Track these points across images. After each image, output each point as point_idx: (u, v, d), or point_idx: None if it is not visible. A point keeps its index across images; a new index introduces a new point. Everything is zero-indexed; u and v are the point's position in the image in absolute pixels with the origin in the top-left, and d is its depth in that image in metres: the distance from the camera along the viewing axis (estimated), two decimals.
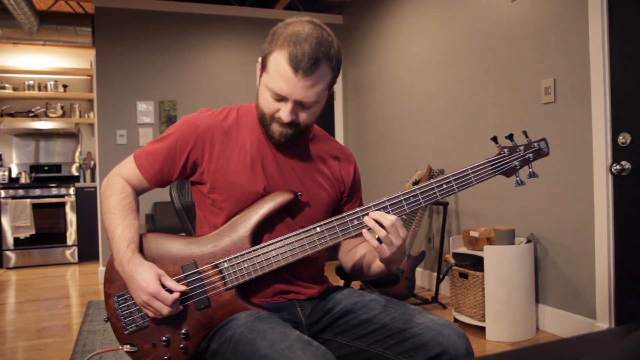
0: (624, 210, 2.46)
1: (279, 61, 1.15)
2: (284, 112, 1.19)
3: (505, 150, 1.23)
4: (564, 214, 2.76)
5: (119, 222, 1.23)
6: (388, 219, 1.14)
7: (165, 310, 1.15)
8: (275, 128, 1.23)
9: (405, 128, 4.19)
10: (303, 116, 1.22)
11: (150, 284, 1.14)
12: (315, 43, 1.14)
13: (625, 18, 2.42)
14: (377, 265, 1.28)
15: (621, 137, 2.45)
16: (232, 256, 1.20)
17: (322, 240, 1.19)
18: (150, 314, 1.18)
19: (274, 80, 1.17)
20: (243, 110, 1.33)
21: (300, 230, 1.20)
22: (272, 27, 1.23)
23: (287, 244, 1.20)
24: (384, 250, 1.15)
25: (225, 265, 1.20)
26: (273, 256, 1.20)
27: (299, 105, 1.19)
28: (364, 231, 1.16)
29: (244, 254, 1.20)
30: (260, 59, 1.24)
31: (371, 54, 4.71)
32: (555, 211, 2.81)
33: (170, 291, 1.16)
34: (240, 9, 5.05)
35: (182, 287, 1.18)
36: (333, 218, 1.20)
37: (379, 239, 1.15)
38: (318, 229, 1.19)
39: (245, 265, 1.20)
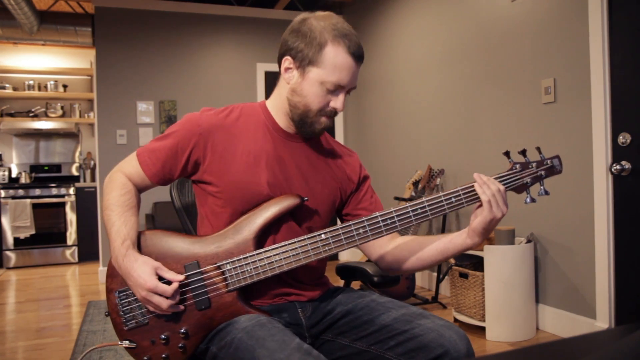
0: (624, 210, 2.46)
1: (338, 53, 1.21)
2: (339, 102, 1.25)
3: (517, 165, 1.22)
4: (564, 214, 2.76)
5: (115, 219, 1.23)
6: (495, 185, 1.16)
7: (165, 303, 1.14)
8: (322, 121, 1.27)
9: (405, 128, 4.20)
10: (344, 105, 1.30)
11: (146, 279, 1.14)
12: (356, 33, 1.25)
13: (625, 18, 2.42)
14: (435, 250, 1.26)
15: (621, 137, 2.45)
16: (235, 258, 1.20)
17: (327, 248, 1.19)
18: (152, 309, 1.18)
19: (334, 73, 1.21)
20: (246, 110, 1.33)
21: (305, 237, 1.20)
22: (293, 27, 1.26)
23: (290, 249, 1.19)
24: (489, 209, 1.15)
25: (228, 267, 1.20)
26: (276, 260, 1.19)
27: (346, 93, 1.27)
28: (476, 185, 1.17)
29: (247, 257, 1.20)
30: (289, 58, 1.25)
31: (371, 54, 4.71)
32: (555, 211, 2.81)
33: (169, 283, 1.16)
34: (240, 9, 5.05)
35: (180, 277, 1.17)
36: (339, 226, 1.19)
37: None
38: (323, 235, 1.19)
39: (248, 268, 1.20)
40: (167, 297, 1.15)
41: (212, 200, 1.28)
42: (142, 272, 1.15)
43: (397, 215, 1.18)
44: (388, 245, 1.35)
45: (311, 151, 1.35)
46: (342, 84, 1.22)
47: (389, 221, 1.18)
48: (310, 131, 1.28)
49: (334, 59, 1.21)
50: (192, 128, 1.27)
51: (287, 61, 1.26)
